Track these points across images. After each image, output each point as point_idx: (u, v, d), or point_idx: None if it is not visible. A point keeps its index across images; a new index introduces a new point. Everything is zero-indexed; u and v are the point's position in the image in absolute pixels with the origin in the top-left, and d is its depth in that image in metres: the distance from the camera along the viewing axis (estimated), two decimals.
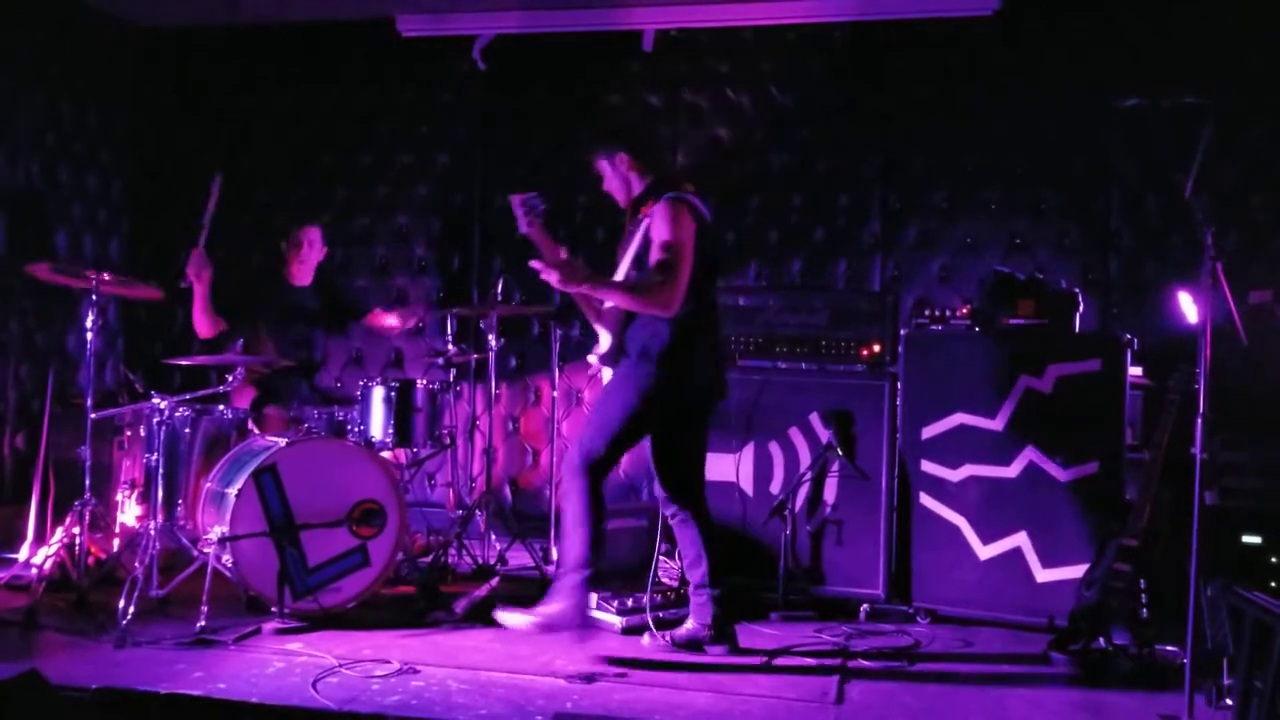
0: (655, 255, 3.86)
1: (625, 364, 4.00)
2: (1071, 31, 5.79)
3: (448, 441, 5.32)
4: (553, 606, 3.94)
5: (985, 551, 4.52)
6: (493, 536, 5.46)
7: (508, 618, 4.00)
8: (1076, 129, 5.73)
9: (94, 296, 4.62)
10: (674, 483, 4.13)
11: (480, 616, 4.46)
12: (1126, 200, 5.76)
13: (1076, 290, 4.71)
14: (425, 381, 5.09)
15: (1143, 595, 3.94)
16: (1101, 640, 3.99)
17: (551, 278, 3.83)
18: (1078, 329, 4.68)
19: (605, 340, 4.06)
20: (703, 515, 4.14)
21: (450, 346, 5.40)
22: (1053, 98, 5.75)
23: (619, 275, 4.02)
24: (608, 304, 4.05)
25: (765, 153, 6.27)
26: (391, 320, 5.59)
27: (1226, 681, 3.42)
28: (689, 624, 4.12)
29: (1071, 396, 4.42)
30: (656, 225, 3.88)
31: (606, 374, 4.13)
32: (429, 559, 5.12)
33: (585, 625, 3.96)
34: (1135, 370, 4.61)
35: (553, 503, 5.61)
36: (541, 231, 4.15)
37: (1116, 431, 4.39)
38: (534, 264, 3.87)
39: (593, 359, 4.13)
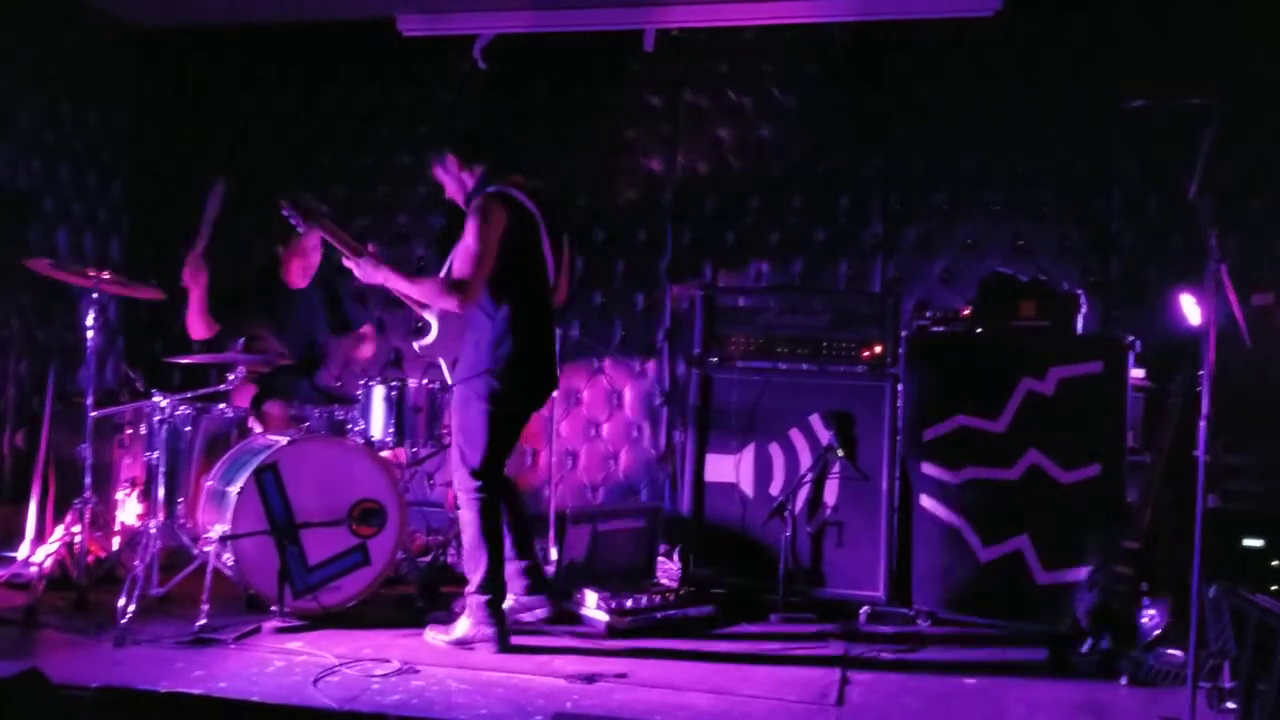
0: (455, 254, 4.07)
1: (464, 377, 4.15)
2: (1072, 32, 5.79)
3: (447, 441, 5.30)
4: (464, 627, 4.05)
5: (986, 554, 4.51)
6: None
7: (431, 636, 4.12)
8: (1078, 130, 5.73)
9: (94, 294, 4.61)
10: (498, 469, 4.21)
11: None
12: (1128, 202, 5.76)
13: (1078, 292, 4.70)
14: (425, 381, 5.09)
15: (1143, 598, 3.94)
16: (1103, 643, 3.98)
17: (353, 266, 4.25)
18: (1079, 331, 4.67)
19: (433, 332, 4.31)
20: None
21: None
22: (1053, 98, 5.75)
23: (446, 264, 4.20)
24: (429, 339, 4.33)
25: (765, 153, 6.27)
26: (368, 350, 5.63)
27: (1228, 684, 3.42)
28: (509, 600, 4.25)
29: (1073, 398, 4.41)
30: (469, 221, 4.06)
31: (443, 366, 4.37)
32: (428, 558, 5.12)
33: (503, 649, 3.99)
34: (1137, 372, 4.60)
35: (551, 503, 5.60)
36: (331, 227, 4.39)
37: (1118, 434, 4.38)
38: (345, 261, 4.28)
39: (418, 347, 4.38)
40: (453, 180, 4.30)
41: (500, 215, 4.06)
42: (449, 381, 4.35)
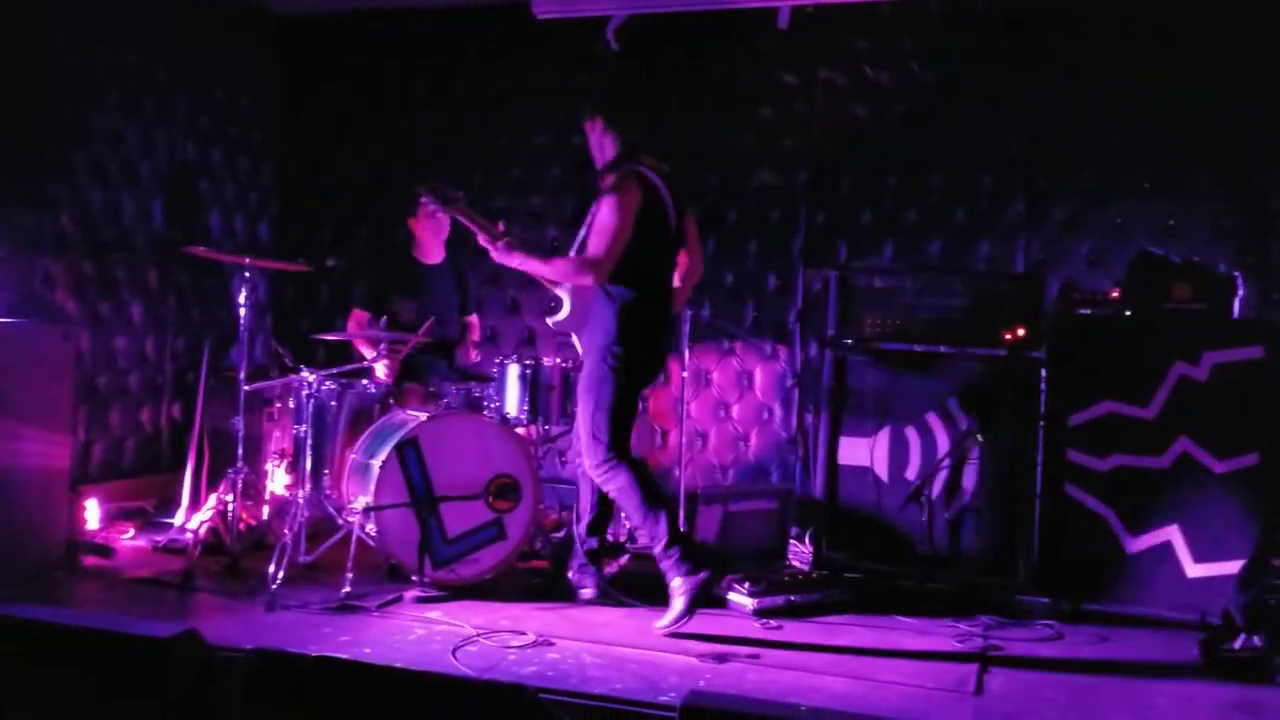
0: (590, 232, 4.18)
1: (590, 355, 4.24)
2: (1227, 3, 5.49)
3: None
4: (678, 604, 3.98)
5: (1133, 544, 4.36)
6: (622, 515, 5.48)
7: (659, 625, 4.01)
8: (1234, 105, 5.44)
9: (246, 274, 4.80)
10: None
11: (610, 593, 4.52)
12: None
13: (1236, 274, 4.49)
14: (558, 360, 5.15)
15: None
16: (1257, 639, 3.81)
17: (490, 248, 4.36)
18: (1237, 314, 4.46)
19: (566, 307, 4.39)
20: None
21: None
22: (1208, 72, 5.47)
23: (577, 238, 4.34)
24: (561, 314, 4.41)
25: (904, 131, 6.13)
26: (473, 355, 5.75)
27: None
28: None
29: (1229, 385, 4.24)
30: (602, 201, 4.15)
31: (575, 341, 4.45)
32: (561, 534, 5.19)
33: (710, 600, 4.03)
34: None
35: (681, 482, 5.61)
36: (468, 212, 4.45)
37: (1278, 422, 4.18)
38: (481, 242, 4.38)
39: (551, 322, 4.46)
40: (595, 141, 4.39)
41: (636, 193, 4.14)
42: (581, 356, 4.42)
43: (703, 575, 3.96)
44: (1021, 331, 4.65)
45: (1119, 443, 4.40)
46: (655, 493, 4.10)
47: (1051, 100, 5.80)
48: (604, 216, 4.13)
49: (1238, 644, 3.87)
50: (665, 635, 3.93)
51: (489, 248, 4.38)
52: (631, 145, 4.31)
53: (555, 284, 4.45)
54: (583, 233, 4.32)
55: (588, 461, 4.24)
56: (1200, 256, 5.11)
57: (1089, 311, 4.59)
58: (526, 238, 6.76)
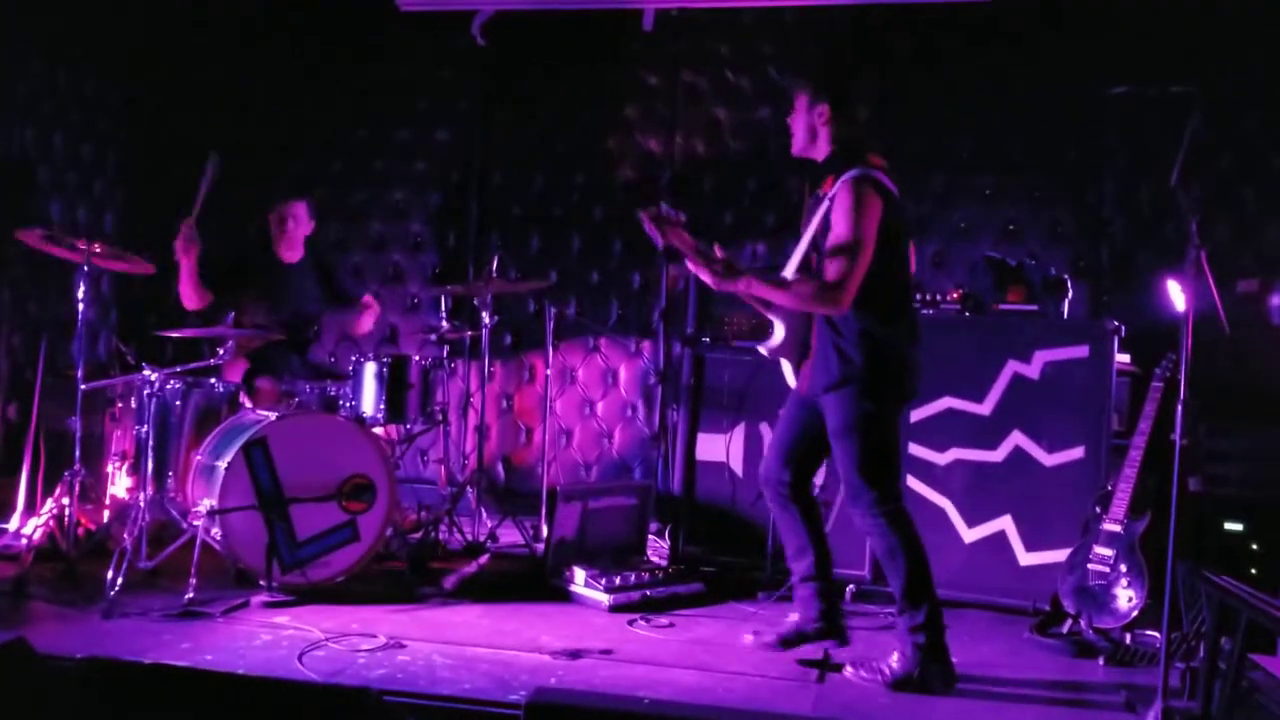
0: (830, 246, 3.51)
1: (833, 398, 3.61)
2: (1067, 18, 5.77)
3: (440, 418, 5.34)
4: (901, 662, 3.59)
5: (970, 534, 4.55)
6: (484, 513, 5.49)
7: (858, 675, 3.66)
8: (1070, 115, 5.72)
9: (85, 267, 4.63)
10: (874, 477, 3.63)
11: (468, 593, 4.51)
12: (1120, 188, 5.76)
13: (1066, 277, 4.73)
14: (419, 358, 5.10)
15: (1124, 580, 3.97)
16: (1083, 624, 4.02)
17: (704, 275, 3.64)
18: (1067, 315, 4.70)
19: (780, 332, 3.74)
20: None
21: (444, 323, 5.42)
22: (1047, 84, 5.73)
23: (796, 254, 3.71)
24: (775, 339, 3.78)
25: (764, 135, 6.26)
26: (369, 322, 5.61)
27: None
28: (793, 617, 3.87)
29: (1059, 382, 4.46)
30: (837, 210, 3.50)
31: (786, 368, 3.84)
32: (419, 535, 5.15)
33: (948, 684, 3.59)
34: (1123, 357, 4.64)
35: (544, 480, 5.63)
36: (684, 237, 3.68)
37: (1102, 417, 4.42)
38: (689, 265, 3.67)
39: (763, 350, 3.83)
40: (806, 130, 3.73)
41: (876, 204, 3.50)
42: (791, 384, 3.84)
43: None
44: None
45: (957, 437, 4.59)
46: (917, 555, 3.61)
47: (902, 107, 5.99)
48: (839, 231, 3.48)
49: (1064, 628, 4.09)
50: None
51: (704, 277, 3.65)
52: (857, 143, 3.67)
53: (767, 306, 3.75)
54: (803, 246, 3.69)
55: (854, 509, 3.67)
56: (1036, 260, 5.36)
57: (931, 312, 4.77)
58: (389, 232, 6.72)
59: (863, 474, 3.58)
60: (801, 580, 3.83)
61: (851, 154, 3.62)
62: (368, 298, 5.66)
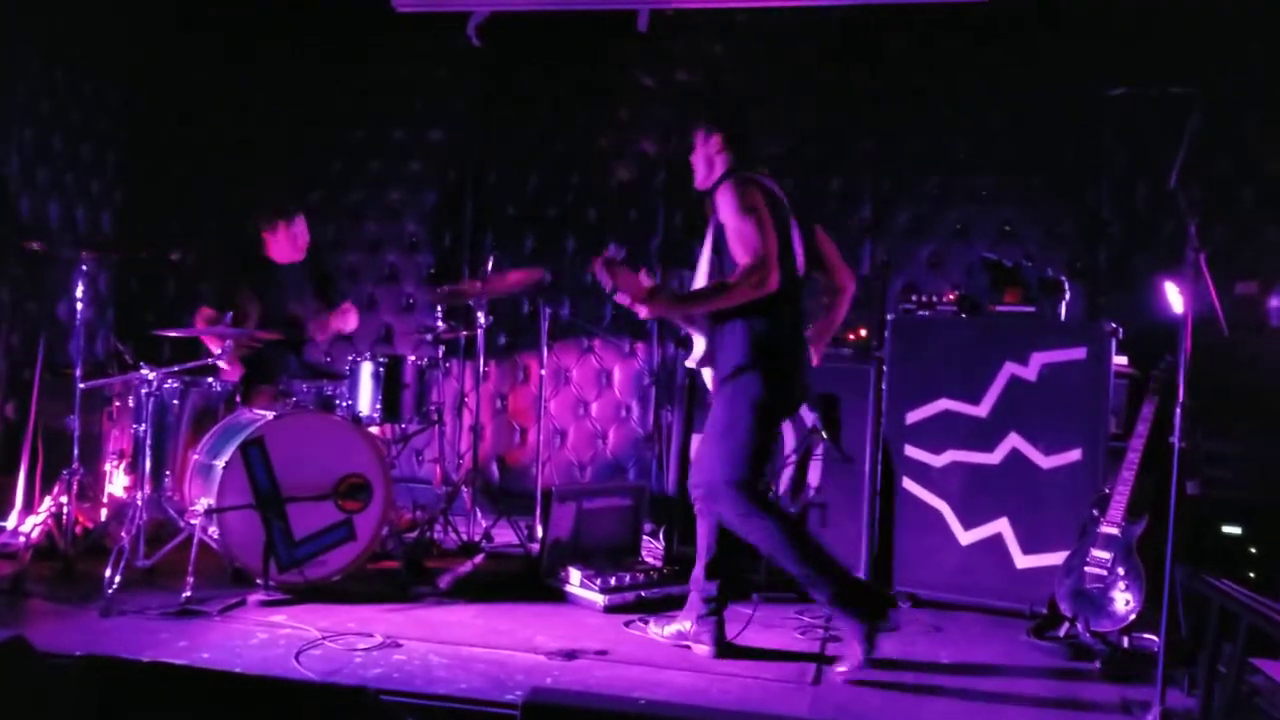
0: (734, 240, 3.65)
1: (723, 383, 3.78)
2: (1065, 19, 5.78)
3: (435, 418, 5.34)
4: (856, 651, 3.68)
5: (966, 537, 4.55)
6: (478, 513, 5.49)
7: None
8: (1068, 117, 5.73)
9: (84, 266, 4.62)
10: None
11: (463, 592, 4.51)
12: (1117, 190, 5.77)
13: (1063, 278, 4.73)
14: (414, 358, 5.10)
15: (1121, 583, 3.98)
16: (1079, 627, 4.03)
17: (640, 311, 3.76)
18: (1064, 317, 4.70)
19: (699, 344, 3.87)
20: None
21: (440, 323, 5.42)
22: (1045, 85, 5.74)
23: (701, 269, 3.85)
24: (697, 351, 3.88)
25: (758, 135, 6.23)
26: (350, 324, 5.55)
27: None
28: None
29: (1056, 384, 4.45)
30: (724, 209, 3.68)
31: (706, 374, 3.92)
32: (414, 534, 5.15)
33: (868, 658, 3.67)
34: (1120, 359, 4.63)
35: (539, 481, 5.63)
36: (626, 274, 3.80)
37: (1100, 419, 4.42)
38: (619, 299, 3.76)
39: (690, 364, 3.96)
40: (705, 161, 3.93)
41: (757, 195, 3.68)
42: (711, 390, 3.93)
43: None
44: (864, 332, 4.83)
45: (954, 439, 4.59)
46: (805, 544, 3.71)
47: (899, 108, 6.01)
48: (731, 223, 3.65)
49: (1061, 631, 4.09)
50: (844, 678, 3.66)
51: (641, 311, 3.78)
52: (743, 162, 3.86)
53: (690, 320, 3.90)
54: (705, 259, 3.82)
55: (710, 499, 3.82)
56: (1033, 261, 5.36)
57: (927, 313, 4.77)
58: (385, 232, 6.72)
59: (736, 463, 3.70)
60: (708, 603, 3.87)
61: (740, 165, 3.85)
62: (347, 304, 5.66)
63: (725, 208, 3.68)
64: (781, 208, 3.79)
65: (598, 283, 3.82)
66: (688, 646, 3.89)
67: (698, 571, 3.94)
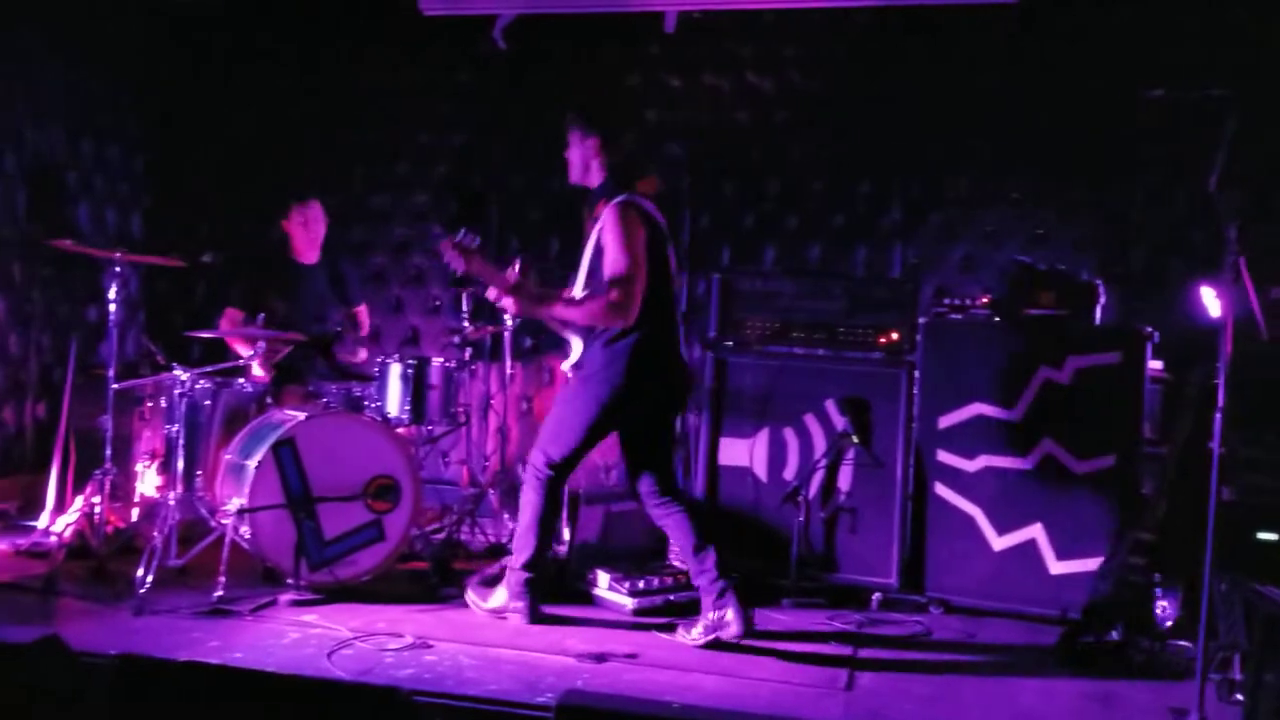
0: (608, 268, 3.88)
1: (583, 373, 4.02)
2: (1096, 19, 5.73)
3: (462, 420, 5.34)
4: (500, 597, 4.13)
5: (999, 542, 4.51)
6: (505, 515, 5.48)
7: (470, 598, 4.22)
8: (1101, 119, 5.68)
9: (117, 268, 4.65)
10: (662, 478, 4.11)
11: None
12: (1151, 193, 5.71)
13: (1097, 282, 4.69)
14: (441, 360, 5.11)
15: (1156, 589, 3.93)
16: (1114, 634, 3.98)
17: (507, 305, 4.00)
18: (1098, 321, 4.66)
19: (578, 348, 4.06)
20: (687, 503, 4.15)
21: (466, 325, 5.42)
22: (1077, 87, 5.69)
23: (581, 273, 4.04)
24: (574, 355, 4.09)
25: (785, 137, 6.24)
26: (363, 354, 5.51)
27: (1238, 676, 3.41)
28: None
29: (1090, 388, 4.42)
30: (607, 234, 3.89)
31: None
32: (442, 535, 5.15)
33: (534, 620, 4.07)
34: (1155, 364, 4.59)
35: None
36: (482, 263, 4.02)
37: (1135, 424, 4.38)
38: (490, 295, 4.00)
39: (566, 368, 4.14)
40: (581, 158, 4.09)
41: (638, 223, 3.91)
42: (565, 369, 4.19)
43: (524, 604, 4.07)
44: (895, 335, 4.79)
45: (987, 444, 4.55)
46: (548, 524, 4.08)
47: (929, 110, 5.97)
48: (612, 254, 3.86)
49: (1096, 638, 4.04)
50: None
51: (506, 304, 4.02)
52: (623, 170, 4.04)
53: (565, 325, 4.09)
54: (584, 266, 4.03)
55: (529, 460, 4.08)
56: (1066, 264, 5.30)
57: (959, 316, 4.74)
58: (410, 235, 6.73)
59: (552, 445, 3.99)
60: (710, 579, 3.96)
61: (621, 180, 4.02)
62: (361, 308, 5.66)
63: (608, 232, 3.89)
64: (659, 232, 4.01)
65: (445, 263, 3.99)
66: (717, 636, 3.91)
67: (692, 566, 4.03)
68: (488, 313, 6.13)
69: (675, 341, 4.10)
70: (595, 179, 4.08)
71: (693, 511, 4.08)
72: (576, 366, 4.08)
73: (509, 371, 5.70)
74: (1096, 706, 3.57)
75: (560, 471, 4.04)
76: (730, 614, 3.90)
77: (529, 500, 4.07)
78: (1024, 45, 5.82)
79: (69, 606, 4.12)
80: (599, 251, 3.94)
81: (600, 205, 4.00)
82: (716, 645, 3.92)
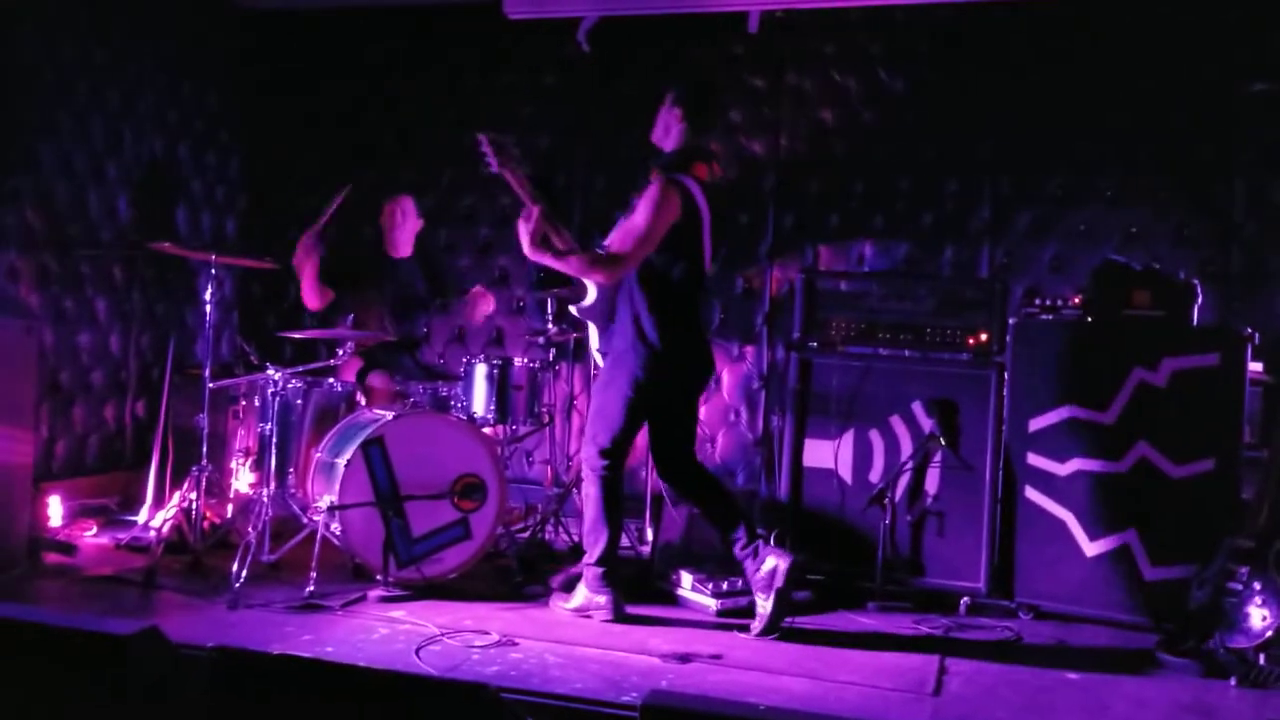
0: (618, 231, 4.08)
1: (612, 356, 4.18)
2: (1194, 13, 5.57)
3: (546, 420, 5.38)
4: (580, 596, 4.20)
5: (1092, 548, 4.41)
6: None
7: (555, 605, 4.28)
8: (1199, 115, 5.51)
9: (213, 270, 4.78)
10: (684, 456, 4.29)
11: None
12: (1251, 190, 5.53)
13: (1195, 281, 4.56)
14: (525, 360, 5.15)
15: (1258, 598, 3.81)
16: (1212, 642, 3.87)
17: (520, 232, 4.17)
18: (1196, 322, 4.52)
19: (591, 292, 4.27)
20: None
21: (550, 326, 5.46)
22: (1174, 82, 5.54)
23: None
24: (587, 300, 4.28)
25: (872, 136, 6.18)
26: (486, 308, 5.58)
27: None
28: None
29: (1187, 391, 4.29)
30: (643, 199, 4.05)
31: (592, 331, 4.38)
32: (527, 534, 5.19)
33: (618, 619, 4.13)
34: (1255, 366, 4.45)
35: (648, 483, 5.62)
36: (517, 176, 4.17)
37: (1234, 428, 4.25)
38: (520, 223, 4.18)
39: (575, 309, 4.36)
40: (663, 125, 4.25)
41: (675, 205, 4.04)
42: (594, 348, 4.40)
43: (606, 599, 4.15)
44: (984, 336, 4.71)
45: (1079, 447, 4.45)
46: (615, 514, 4.20)
47: (1018, 107, 5.86)
48: (636, 218, 4.05)
49: (1193, 646, 3.93)
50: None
51: (523, 235, 4.18)
52: (690, 151, 4.18)
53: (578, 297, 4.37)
54: (619, 225, 4.21)
55: (582, 456, 4.26)
56: (1162, 264, 5.17)
57: (1051, 317, 4.64)
58: (496, 237, 6.80)
59: (599, 435, 4.12)
60: (745, 553, 4.10)
61: (683, 158, 4.15)
62: (479, 288, 5.70)
63: (644, 199, 4.04)
64: (697, 218, 4.09)
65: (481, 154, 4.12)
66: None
67: (737, 552, 4.12)
68: (571, 317, 6.19)
69: (698, 322, 4.25)
70: (670, 145, 4.23)
71: (720, 492, 4.25)
72: (604, 352, 4.25)
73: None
74: (1193, 718, 3.47)
75: (613, 459, 4.14)
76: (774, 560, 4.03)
77: (590, 495, 4.19)
78: (1119, 38, 5.67)
79: (167, 600, 4.24)
80: (629, 211, 4.11)
81: (654, 172, 4.13)
82: (793, 637, 4.00)
